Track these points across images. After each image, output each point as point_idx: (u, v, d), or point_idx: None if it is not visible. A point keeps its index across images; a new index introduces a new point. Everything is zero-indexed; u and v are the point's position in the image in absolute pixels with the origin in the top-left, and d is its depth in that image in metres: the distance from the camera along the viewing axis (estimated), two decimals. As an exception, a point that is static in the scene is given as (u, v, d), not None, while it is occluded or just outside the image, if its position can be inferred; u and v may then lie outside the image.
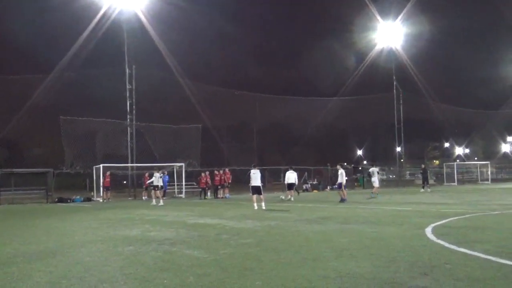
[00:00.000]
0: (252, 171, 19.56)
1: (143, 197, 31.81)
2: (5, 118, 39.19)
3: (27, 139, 47.62)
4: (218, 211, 18.71)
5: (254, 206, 18.93)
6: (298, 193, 30.82)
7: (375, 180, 27.88)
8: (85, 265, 7.25)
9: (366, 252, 7.81)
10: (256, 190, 19.25)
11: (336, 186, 25.82)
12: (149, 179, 30.52)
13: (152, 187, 27.22)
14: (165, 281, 6.02)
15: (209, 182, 31.49)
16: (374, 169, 28.68)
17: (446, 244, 8.39)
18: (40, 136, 46.20)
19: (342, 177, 23.12)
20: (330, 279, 5.92)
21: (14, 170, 30.40)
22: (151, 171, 31.60)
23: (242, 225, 12.61)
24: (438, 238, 9.18)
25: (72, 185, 38.23)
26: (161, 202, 25.09)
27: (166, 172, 32.50)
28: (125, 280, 6.12)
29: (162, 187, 31.05)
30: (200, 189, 31.69)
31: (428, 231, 10.31)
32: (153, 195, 27.05)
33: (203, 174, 31.66)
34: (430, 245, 8.46)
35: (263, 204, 18.86)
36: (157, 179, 28.84)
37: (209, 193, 31.75)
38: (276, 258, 7.51)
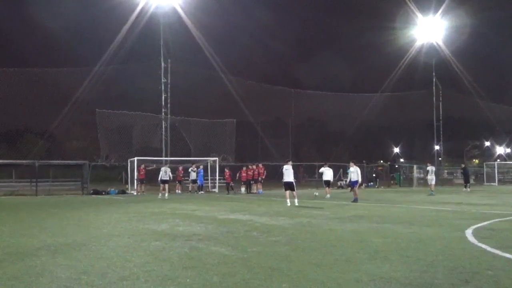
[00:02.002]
0: (285, 166, 19.30)
1: (176, 191, 31.81)
2: (46, 111, 39.98)
3: (67, 132, 48.47)
4: (250, 206, 18.48)
5: (287, 203, 18.68)
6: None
7: (433, 178, 28.75)
8: (108, 260, 7.06)
9: (401, 255, 7.39)
10: (289, 186, 19.02)
11: (346, 183, 24.99)
12: (182, 173, 30.69)
13: (162, 181, 27.08)
14: (188, 280, 5.76)
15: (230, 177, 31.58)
16: (431, 168, 29.50)
17: (489, 248, 7.89)
18: (79, 129, 47.02)
19: (355, 175, 21.52)
20: (363, 283, 5.55)
21: (51, 161, 30.92)
22: (186, 165, 31.72)
23: (273, 222, 12.30)
24: (479, 241, 8.68)
25: (108, 178, 38.80)
26: (166, 196, 25.82)
27: (201, 166, 32.58)
28: (146, 278, 5.88)
29: (196, 181, 31.25)
30: (226, 184, 31.70)
31: (469, 233, 9.80)
32: (161, 188, 27.09)
33: (226, 170, 31.81)
34: (471, 248, 7.98)
35: (296, 200, 18.59)
36: (192, 173, 29.13)
37: (242, 189, 31.56)
38: (306, 258, 7.18)
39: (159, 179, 27.06)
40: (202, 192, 32.11)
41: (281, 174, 20.27)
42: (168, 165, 28.11)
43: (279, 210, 16.51)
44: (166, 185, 26.45)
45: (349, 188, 38.44)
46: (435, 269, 6.30)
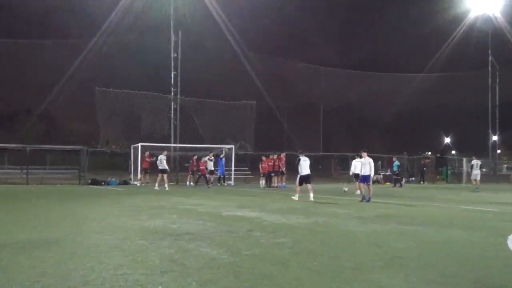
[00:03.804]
0: (302, 158, 19.47)
1: (187, 183, 31.87)
2: (42, 89, 40.45)
3: (66, 113, 48.99)
4: (263, 202, 18.41)
5: (295, 197, 19.07)
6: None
7: (478, 173, 29.78)
8: (77, 261, 7.00)
9: (421, 262, 7.17)
10: (307, 179, 19.35)
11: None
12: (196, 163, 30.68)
13: (160, 171, 27.37)
14: (159, 287, 5.65)
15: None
16: (476, 162, 30.11)
17: (530, 258, 7.62)
18: (79, 110, 47.41)
19: (367, 168, 19.68)
20: (365, 296, 5.35)
21: (43, 146, 31.26)
22: (200, 154, 31.69)
23: (283, 221, 12.16)
24: (521, 249, 8.39)
25: (110, 166, 39.11)
26: (166, 187, 26.39)
27: (222, 155, 32.62)
28: (112, 283, 5.79)
29: (213, 171, 31.21)
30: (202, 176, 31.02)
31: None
32: (159, 178, 27.40)
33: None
34: (506, 257, 7.72)
35: (311, 195, 18.83)
36: (209, 163, 29.23)
37: (261, 182, 31.46)
38: (307, 263, 7.02)
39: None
40: (226, 183, 32.41)
41: (296, 167, 20.09)
42: (165, 152, 28.07)
43: (296, 207, 16.40)
44: (165, 176, 26.80)
45: (387, 183, 38.28)
46: (457, 280, 6.08)
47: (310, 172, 19.84)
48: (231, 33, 41.33)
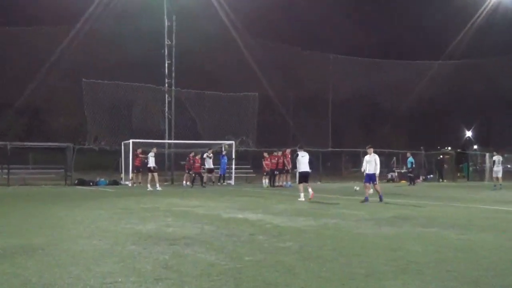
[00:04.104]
0: (301, 153, 19.83)
1: (184, 183, 31.95)
2: (23, 80, 40.39)
3: (50, 107, 48.85)
4: (266, 203, 18.50)
5: (301, 197, 19.26)
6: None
7: (499, 170, 30.28)
8: (62, 269, 7.02)
9: (440, 268, 7.18)
10: (306, 177, 19.71)
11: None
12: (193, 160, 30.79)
13: (149, 169, 27.59)
14: (152, 296, 5.67)
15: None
16: (498, 157, 30.51)
17: (558, 263, 7.62)
18: (64, 104, 47.32)
19: (372, 166, 19.26)
20: (378, 305, 5.36)
21: (25, 143, 31.28)
22: (198, 150, 31.79)
23: (289, 223, 12.20)
24: (549, 253, 8.40)
25: (99, 165, 39.12)
26: (158, 187, 26.63)
27: (224, 152, 32.71)
28: (101, 292, 5.82)
29: (212, 170, 31.34)
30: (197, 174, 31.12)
31: (540, 242, 9.53)
32: (149, 178, 27.55)
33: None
34: (534, 262, 7.71)
35: (310, 190, 19.26)
36: (208, 160, 29.36)
37: (265, 181, 31.51)
38: (315, 270, 7.02)
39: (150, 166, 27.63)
40: (226, 183, 32.77)
41: (294, 163, 20.50)
42: (154, 149, 28.15)
43: (303, 208, 16.45)
44: (155, 174, 26.94)
45: (403, 181, 38.30)
46: (477, 286, 6.07)
47: (311, 169, 20.08)
48: (230, 18, 41.21)
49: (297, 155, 19.99)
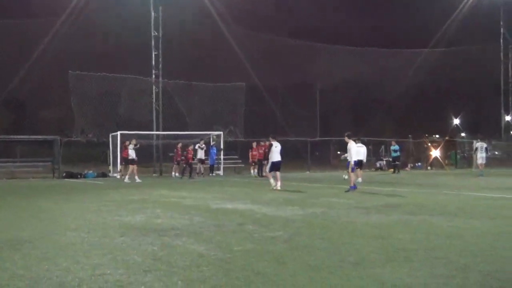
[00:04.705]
0: (274, 143, 20.37)
1: (173, 174, 31.96)
2: (9, 72, 40.05)
3: (36, 100, 48.56)
4: (255, 193, 18.55)
5: (276, 186, 19.64)
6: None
7: (482, 157, 30.68)
8: (51, 262, 7.00)
9: (429, 255, 7.21)
10: (278, 166, 20.31)
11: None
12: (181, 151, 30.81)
13: (129, 161, 27.66)
14: (142, 287, 5.65)
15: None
16: (480, 144, 30.94)
17: (546, 248, 7.70)
18: (51, 96, 47.04)
19: (354, 152, 19.30)
20: (366, 293, 5.38)
21: (11, 137, 31.11)
22: (186, 141, 31.79)
23: (278, 213, 12.23)
24: (537, 239, 8.48)
25: (86, 157, 39.00)
26: (137, 179, 26.55)
27: (213, 143, 32.75)
28: (91, 284, 5.79)
29: (203, 161, 31.39)
30: (184, 165, 31.41)
31: (527, 228, 9.62)
32: (130, 170, 27.47)
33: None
34: (522, 248, 7.77)
35: (279, 183, 19.65)
36: (199, 151, 29.41)
37: (253, 171, 31.56)
38: (304, 259, 7.04)
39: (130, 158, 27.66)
40: (214, 173, 32.92)
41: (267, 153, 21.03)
42: (134, 141, 28.05)
43: (292, 197, 16.51)
44: (135, 166, 27.11)
45: (391, 169, 38.43)
46: (466, 274, 6.11)
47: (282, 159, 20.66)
48: (217, 8, 41.05)
49: (271, 145, 20.60)
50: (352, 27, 75.05)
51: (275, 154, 20.20)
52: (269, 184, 20.36)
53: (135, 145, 27.92)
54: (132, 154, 27.17)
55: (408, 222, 10.48)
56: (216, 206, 13.83)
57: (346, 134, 20.21)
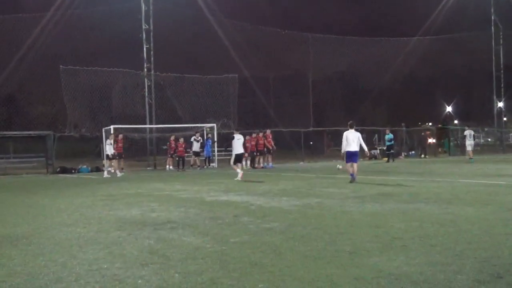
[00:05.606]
0: (237, 136, 21.43)
1: (167, 167, 31.96)
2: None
3: (28, 95, 48.33)
4: (250, 185, 18.52)
5: (239, 176, 20.45)
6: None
7: (471, 144, 31.09)
8: (48, 257, 7.01)
9: (425, 243, 7.25)
10: (240, 158, 21.96)
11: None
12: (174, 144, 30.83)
13: (114, 156, 27.80)
14: (140, 281, 5.66)
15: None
16: (469, 132, 31.26)
17: (541, 233, 7.73)
18: (43, 91, 46.82)
19: (351, 143, 18.16)
20: (364, 282, 5.39)
21: (4, 133, 31.02)
22: (179, 134, 31.80)
23: (273, 204, 12.24)
24: (532, 225, 8.52)
25: (80, 152, 38.95)
26: (118, 173, 26.78)
27: (209, 135, 32.84)
28: (87, 279, 5.80)
29: (198, 153, 31.51)
30: (180, 158, 31.56)
31: (523, 214, 9.66)
32: (114, 165, 27.78)
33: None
34: (517, 234, 7.80)
35: (240, 174, 20.58)
36: (195, 143, 29.53)
37: (246, 162, 31.57)
38: (300, 250, 7.07)
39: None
40: (211, 165, 33.38)
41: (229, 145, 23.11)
42: (111, 136, 28.07)
43: (286, 188, 16.50)
44: (114, 161, 27.49)
45: (385, 158, 38.48)
46: (462, 261, 6.13)
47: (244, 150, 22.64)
48: (207, 0, 41.01)
49: (233, 137, 21.61)
50: (342, 17, 75.08)
51: (237, 147, 21.27)
52: (236, 175, 20.92)
53: (115, 141, 28.07)
54: (109, 150, 27.10)
55: (403, 211, 10.50)
56: (211, 199, 13.85)
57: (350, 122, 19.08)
